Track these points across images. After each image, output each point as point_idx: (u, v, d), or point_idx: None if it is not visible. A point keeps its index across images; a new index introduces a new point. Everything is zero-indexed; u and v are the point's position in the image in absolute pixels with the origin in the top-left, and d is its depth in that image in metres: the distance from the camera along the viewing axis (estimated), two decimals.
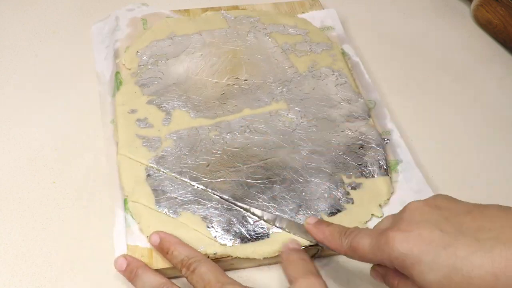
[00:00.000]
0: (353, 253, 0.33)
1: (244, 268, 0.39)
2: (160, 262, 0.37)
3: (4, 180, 0.44)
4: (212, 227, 0.39)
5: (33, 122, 0.49)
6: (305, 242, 0.38)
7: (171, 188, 0.41)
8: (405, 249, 0.29)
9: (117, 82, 0.49)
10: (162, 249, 0.37)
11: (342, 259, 0.40)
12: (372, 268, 0.34)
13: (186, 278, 0.35)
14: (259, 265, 0.39)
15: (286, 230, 0.39)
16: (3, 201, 0.43)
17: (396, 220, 0.31)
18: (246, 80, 0.49)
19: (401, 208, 0.35)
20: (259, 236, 0.38)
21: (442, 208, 0.30)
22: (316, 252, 0.39)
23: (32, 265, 0.39)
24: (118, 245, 0.40)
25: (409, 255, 0.29)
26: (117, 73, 0.50)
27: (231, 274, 0.39)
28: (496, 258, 0.27)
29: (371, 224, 0.40)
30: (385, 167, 0.43)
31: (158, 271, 0.37)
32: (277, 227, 0.39)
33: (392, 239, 0.30)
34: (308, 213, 0.40)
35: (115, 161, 0.45)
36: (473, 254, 0.28)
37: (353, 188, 0.42)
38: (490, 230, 0.28)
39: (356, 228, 0.34)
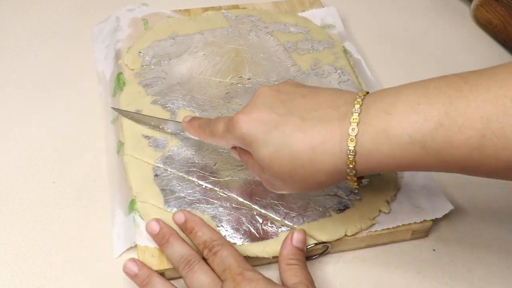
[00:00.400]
0: (212, 138, 0.37)
1: (254, 266, 0.39)
2: (166, 263, 0.37)
3: (4, 180, 0.44)
4: (222, 226, 0.39)
5: (33, 122, 0.49)
6: (312, 240, 0.38)
7: (179, 188, 0.41)
8: (245, 129, 0.33)
9: (120, 83, 0.49)
10: (186, 228, 0.37)
11: (344, 259, 0.40)
12: (231, 148, 0.37)
13: (207, 259, 0.35)
14: (269, 263, 0.39)
15: (179, 132, 0.43)
16: (3, 201, 0.43)
17: (244, 107, 0.34)
18: (249, 79, 0.49)
19: (407, 203, 0.38)
20: (268, 234, 0.38)
21: (282, 92, 0.34)
22: (325, 250, 0.39)
23: (32, 265, 0.39)
24: (117, 246, 0.39)
25: (248, 134, 0.33)
26: (120, 73, 0.50)
27: None
28: (314, 135, 0.31)
29: (379, 220, 0.40)
30: None
31: (164, 271, 0.37)
32: (172, 132, 0.43)
33: (236, 121, 0.33)
34: (317, 210, 0.40)
35: (115, 161, 0.45)
36: (297, 131, 0.31)
37: (361, 184, 0.41)
38: (315, 111, 0.32)
39: (218, 117, 0.37)
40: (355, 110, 0.30)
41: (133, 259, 0.37)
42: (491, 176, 0.29)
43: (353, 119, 0.30)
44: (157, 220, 0.38)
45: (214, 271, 0.35)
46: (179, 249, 0.36)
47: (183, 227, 0.37)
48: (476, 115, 0.27)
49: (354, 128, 0.30)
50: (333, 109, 0.31)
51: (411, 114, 0.28)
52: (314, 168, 0.31)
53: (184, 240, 0.37)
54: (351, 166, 0.30)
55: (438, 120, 0.28)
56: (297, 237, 0.37)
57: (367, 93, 0.32)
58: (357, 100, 0.31)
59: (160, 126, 0.44)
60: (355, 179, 0.31)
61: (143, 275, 0.36)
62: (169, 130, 0.44)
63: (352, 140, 0.30)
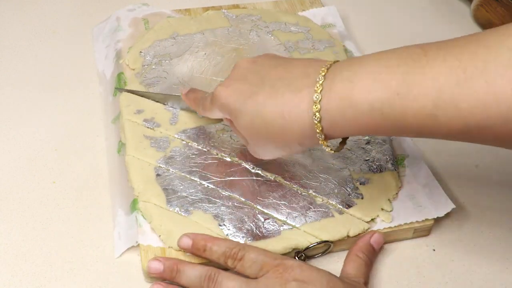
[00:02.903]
0: (204, 112, 0.39)
1: None
2: None
3: (4, 180, 0.44)
4: (224, 225, 0.39)
5: (33, 122, 0.49)
6: (315, 239, 0.38)
7: (181, 187, 0.41)
8: (224, 100, 0.35)
9: (121, 83, 0.49)
10: (197, 248, 0.36)
11: (344, 259, 0.39)
12: (225, 119, 0.38)
13: (234, 268, 0.35)
14: None
15: (175, 107, 0.46)
16: (3, 201, 0.43)
17: (225, 79, 0.36)
18: None
19: (409, 202, 0.40)
20: (270, 233, 0.38)
21: (258, 63, 0.35)
22: (327, 249, 0.39)
23: (32, 265, 0.39)
24: (118, 245, 0.39)
25: (227, 104, 0.35)
26: (121, 73, 0.50)
27: None
28: (284, 102, 0.32)
29: (379, 220, 0.40)
30: (392, 162, 0.43)
31: None
32: (170, 106, 0.46)
33: (217, 93, 0.36)
34: (319, 210, 0.40)
35: (116, 161, 0.45)
36: (268, 99, 0.33)
37: (362, 183, 0.42)
38: (285, 79, 0.33)
39: (208, 93, 0.39)
40: (319, 78, 0.32)
41: (154, 258, 0.36)
42: (446, 139, 0.30)
43: (317, 86, 0.31)
44: (156, 258, 0.36)
45: (246, 275, 0.35)
46: (193, 272, 0.35)
47: (193, 249, 0.36)
48: (430, 85, 0.28)
49: (317, 95, 0.31)
50: (303, 78, 0.32)
51: (372, 83, 0.30)
52: (286, 134, 0.33)
53: (192, 263, 0.36)
54: (318, 131, 0.32)
55: (395, 89, 0.29)
56: (376, 237, 0.39)
57: (336, 62, 0.33)
58: (322, 69, 0.32)
59: (165, 103, 0.46)
60: (326, 143, 0.33)
61: (169, 268, 0.36)
62: (172, 107, 0.46)
63: (316, 105, 0.31)
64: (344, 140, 0.36)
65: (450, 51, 0.28)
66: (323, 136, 0.32)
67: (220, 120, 0.43)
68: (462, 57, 0.27)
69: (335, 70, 0.32)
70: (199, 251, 0.36)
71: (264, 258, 0.35)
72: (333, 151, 0.34)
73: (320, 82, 0.31)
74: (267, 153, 0.36)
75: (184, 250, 0.37)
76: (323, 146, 0.33)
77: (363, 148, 0.44)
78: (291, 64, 0.34)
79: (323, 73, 0.32)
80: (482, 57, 0.27)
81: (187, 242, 0.36)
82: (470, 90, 0.27)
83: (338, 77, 0.31)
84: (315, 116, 0.31)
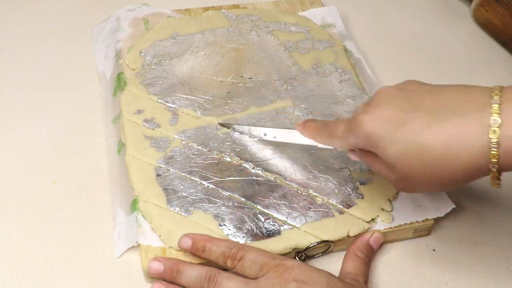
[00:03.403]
0: (330, 140, 0.37)
1: None
2: None
3: (4, 180, 0.44)
4: (224, 225, 0.39)
5: (33, 122, 0.49)
6: (315, 239, 0.38)
7: (182, 187, 0.41)
8: (370, 129, 0.32)
9: (121, 83, 0.49)
10: (197, 249, 0.36)
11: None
12: (349, 150, 0.36)
13: (233, 268, 0.35)
14: None
15: (277, 139, 0.42)
16: (3, 201, 0.43)
17: (366, 105, 0.33)
18: (250, 78, 0.49)
19: (409, 202, 0.40)
20: (270, 233, 0.38)
21: (406, 90, 0.33)
22: (327, 249, 0.39)
23: (32, 265, 0.39)
24: (118, 245, 0.39)
25: (374, 133, 0.32)
26: (121, 73, 0.50)
27: None
28: (448, 129, 0.29)
29: (379, 219, 0.40)
30: None
31: None
32: (266, 139, 0.42)
33: (360, 122, 0.33)
34: (319, 210, 0.40)
35: (116, 161, 0.45)
36: (427, 127, 0.30)
37: (362, 183, 0.42)
38: (446, 105, 0.30)
39: (338, 119, 0.37)
40: (494, 101, 0.29)
41: (155, 258, 0.36)
42: None
43: (494, 109, 0.29)
44: (156, 258, 0.36)
45: (245, 276, 0.35)
46: (193, 272, 0.35)
47: (193, 249, 0.36)
48: None
49: (496, 119, 0.28)
50: (468, 102, 0.30)
51: None
52: (449, 165, 0.30)
53: (192, 263, 0.36)
54: (494, 160, 0.29)
55: None
56: (375, 236, 0.39)
57: (502, 87, 0.30)
58: (494, 92, 0.29)
59: (254, 134, 0.43)
60: (497, 175, 0.30)
61: (170, 268, 0.36)
62: (265, 137, 0.43)
63: (494, 131, 0.28)
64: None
65: None
66: (497, 167, 0.29)
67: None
68: None
69: (508, 92, 0.29)
70: (198, 251, 0.36)
71: (264, 258, 0.35)
72: (498, 185, 0.30)
73: (497, 105, 0.29)
74: (418, 187, 0.33)
75: (184, 250, 0.37)
76: (490, 181, 0.30)
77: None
78: (447, 89, 0.32)
79: (498, 96, 0.29)
80: None
81: (187, 242, 0.36)
82: None
83: None
84: (492, 143, 0.28)
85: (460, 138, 0.29)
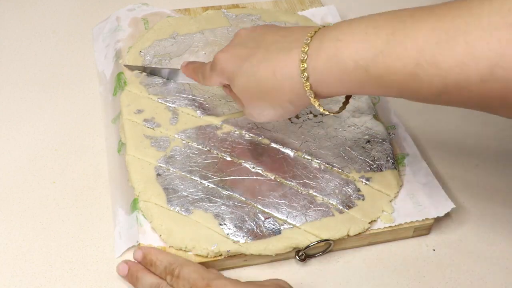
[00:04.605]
0: (204, 80, 0.41)
1: (256, 264, 0.39)
2: None
3: (4, 180, 0.44)
4: (225, 224, 0.39)
5: (33, 122, 0.49)
6: (315, 238, 0.38)
7: (182, 187, 0.41)
8: (223, 64, 0.37)
9: (121, 83, 0.49)
10: (146, 263, 0.37)
11: (344, 259, 0.40)
12: (223, 87, 0.41)
13: (172, 286, 0.35)
14: (271, 261, 0.39)
15: (175, 80, 0.47)
16: (3, 201, 0.43)
17: (225, 46, 0.39)
18: None
19: (409, 201, 0.41)
20: (270, 232, 0.38)
21: (256, 31, 0.38)
22: (327, 247, 0.39)
23: (32, 265, 0.39)
24: (118, 245, 0.39)
25: (225, 68, 0.37)
26: (121, 73, 0.50)
27: (243, 270, 0.39)
28: (276, 62, 0.34)
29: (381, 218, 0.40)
30: (392, 161, 0.43)
31: None
32: (172, 80, 0.48)
33: (217, 59, 0.38)
34: (319, 210, 0.40)
35: (116, 160, 0.45)
36: (262, 61, 0.35)
37: (363, 183, 0.42)
38: (279, 42, 0.35)
39: (209, 62, 0.41)
40: (306, 39, 0.33)
41: (124, 261, 0.37)
42: (428, 101, 0.32)
43: (303, 46, 0.33)
44: (125, 261, 0.38)
45: None
46: (147, 280, 0.36)
47: (143, 263, 0.37)
48: (412, 45, 0.29)
49: (304, 54, 0.33)
50: (294, 40, 0.34)
51: (358, 41, 0.31)
52: (278, 93, 0.35)
53: (151, 273, 0.37)
54: (307, 89, 0.33)
55: (380, 48, 0.30)
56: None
57: (325, 26, 0.34)
58: (311, 31, 0.34)
59: (169, 79, 0.48)
60: (317, 102, 0.34)
61: (131, 273, 0.37)
62: (174, 81, 0.48)
63: (303, 64, 0.33)
64: (344, 103, 0.38)
65: (434, 13, 0.29)
66: (313, 94, 0.34)
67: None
68: (445, 19, 0.29)
69: (324, 31, 0.33)
70: (148, 265, 0.37)
71: (195, 277, 0.35)
72: (328, 112, 0.35)
73: (307, 42, 0.33)
74: (261, 115, 0.37)
75: (138, 262, 0.38)
76: (316, 106, 0.34)
77: (363, 147, 0.44)
78: (287, 30, 0.36)
79: (311, 35, 0.33)
80: (464, 19, 0.28)
81: (139, 254, 0.37)
82: (450, 50, 0.28)
83: (327, 37, 0.33)
84: (303, 74, 0.33)
85: (283, 69, 0.34)
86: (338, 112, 0.37)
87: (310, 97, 0.34)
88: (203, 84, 0.42)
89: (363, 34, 0.31)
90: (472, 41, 0.27)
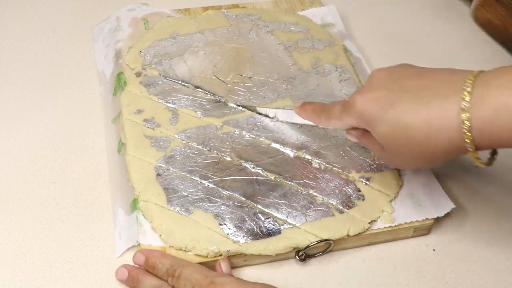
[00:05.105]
0: (328, 121, 0.39)
1: (256, 264, 0.39)
2: None
3: (4, 180, 0.44)
4: (225, 224, 0.39)
5: (33, 122, 0.49)
6: (315, 238, 0.38)
7: (182, 187, 0.41)
8: (362, 108, 0.35)
9: (121, 83, 0.49)
10: (148, 265, 0.37)
11: (344, 259, 0.40)
12: (347, 131, 0.39)
13: (173, 286, 0.35)
14: (271, 261, 0.39)
15: (278, 119, 0.45)
16: (3, 201, 0.43)
17: (360, 88, 0.37)
18: (250, 78, 0.49)
19: (409, 201, 0.41)
20: (270, 232, 0.38)
21: (395, 72, 0.36)
22: (327, 247, 0.39)
23: (32, 265, 0.39)
24: (118, 245, 0.39)
25: (365, 112, 0.35)
26: (121, 73, 0.50)
27: (243, 270, 0.39)
28: (430, 110, 0.32)
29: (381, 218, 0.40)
30: None
31: None
32: (271, 117, 0.45)
33: (353, 101, 0.35)
34: (319, 210, 0.40)
35: (116, 160, 0.45)
36: (411, 108, 0.33)
37: (363, 183, 0.42)
38: (429, 88, 0.33)
39: (333, 101, 0.39)
40: (466, 85, 0.31)
41: (122, 265, 0.37)
42: None
43: (464, 93, 0.31)
44: (124, 265, 0.38)
45: None
46: (149, 282, 0.36)
47: (145, 266, 0.37)
48: None
49: (466, 103, 0.30)
50: (448, 85, 0.32)
51: None
52: (430, 144, 0.32)
53: (152, 275, 0.37)
54: (468, 141, 0.31)
55: None
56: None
57: (481, 71, 0.32)
58: (469, 77, 0.31)
59: (271, 117, 0.46)
60: (477, 155, 0.32)
61: (131, 277, 0.37)
62: (271, 115, 0.45)
63: (465, 114, 0.30)
64: (494, 153, 0.35)
65: None
66: (473, 147, 0.31)
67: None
68: None
69: (486, 77, 0.31)
70: (150, 268, 0.37)
71: (197, 276, 0.35)
72: (484, 165, 0.33)
73: (468, 89, 0.31)
74: (406, 164, 0.36)
75: (140, 266, 0.37)
76: (473, 159, 0.32)
77: (363, 147, 0.44)
78: (433, 73, 0.34)
79: (470, 81, 0.31)
80: None
81: (141, 259, 0.37)
82: None
83: (492, 84, 0.30)
84: (464, 125, 0.30)
85: (438, 119, 0.31)
86: (488, 165, 0.34)
87: (470, 149, 0.31)
88: (325, 126, 0.40)
89: None
90: None
